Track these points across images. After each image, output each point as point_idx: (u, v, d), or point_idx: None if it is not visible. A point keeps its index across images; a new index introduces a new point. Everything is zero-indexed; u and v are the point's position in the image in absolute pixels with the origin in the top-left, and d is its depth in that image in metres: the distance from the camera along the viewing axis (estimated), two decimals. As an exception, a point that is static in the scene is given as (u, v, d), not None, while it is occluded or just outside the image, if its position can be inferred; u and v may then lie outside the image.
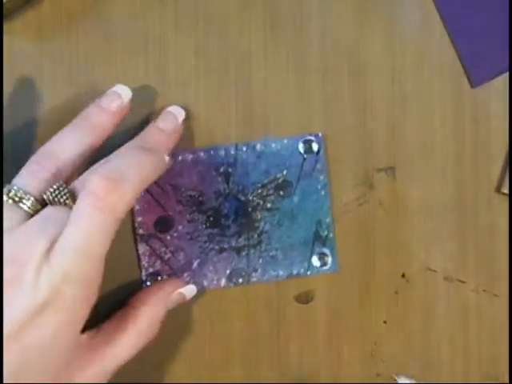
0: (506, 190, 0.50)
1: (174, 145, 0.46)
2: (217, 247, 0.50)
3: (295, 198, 0.50)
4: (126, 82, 0.49)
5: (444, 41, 0.51)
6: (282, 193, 0.50)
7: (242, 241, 0.50)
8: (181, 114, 0.47)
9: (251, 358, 0.51)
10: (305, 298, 0.51)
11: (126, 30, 0.50)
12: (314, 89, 0.50)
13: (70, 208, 0.39)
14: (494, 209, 0.51)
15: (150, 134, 0.45)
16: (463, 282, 0.51)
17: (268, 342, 0.51)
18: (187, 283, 0.49)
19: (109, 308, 0.49)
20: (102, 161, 0.41)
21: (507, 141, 0.51)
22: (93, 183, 0.37)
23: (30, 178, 0.41)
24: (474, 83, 0.51)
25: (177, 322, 0.50)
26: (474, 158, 0.51)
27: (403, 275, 0.51)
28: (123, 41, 0.50)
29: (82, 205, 0.37)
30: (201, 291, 0.50)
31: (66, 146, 0.42)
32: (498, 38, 0.50)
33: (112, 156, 0.41)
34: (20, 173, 0.42)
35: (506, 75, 0.51)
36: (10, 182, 0.42)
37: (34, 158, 0.42)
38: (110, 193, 0.37)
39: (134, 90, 0.49)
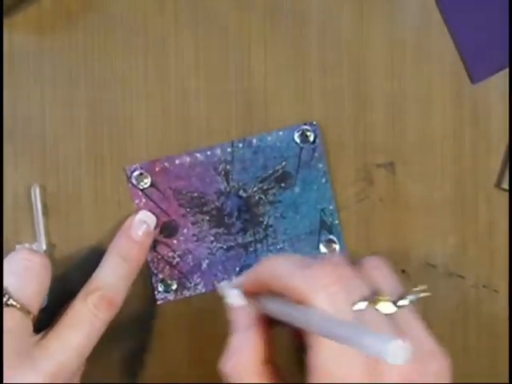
0: (505, 186, 0.51)
1: (147, 251, 0.50)
2: (224, 246, 0.51)
3: (296, 189, 0.51)
4: (126, 78, 0.50)
5: (444, 37, 0.51)
6: (282, 185, 0.51)
7: (248, 237, 0.51)
8: (153, 222, 0.50)
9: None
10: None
11: (126, 25, 0.50)
12: (314, 84, 0.51)
13: None
14: (493, 204, 0.52)
15: (125, 246, 0.49)
16: (463, 278, 0.52)
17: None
18: (197, 285, 0.51)
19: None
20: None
21: (507, 136, 0.52)
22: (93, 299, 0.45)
23: None
24: (473, 79, 0.52)
25: (177, 318, 0.51)
26: (473, 153, 0.52)
27: (403, 271, 0.52)
28: (123, 36, 0.50)
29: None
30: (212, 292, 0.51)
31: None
32: (497, 35, 0.51)
33: (99, 269, 0.47)
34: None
35: (506, 71, 0.52)
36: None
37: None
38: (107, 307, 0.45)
39: (134, 86, 0.50)
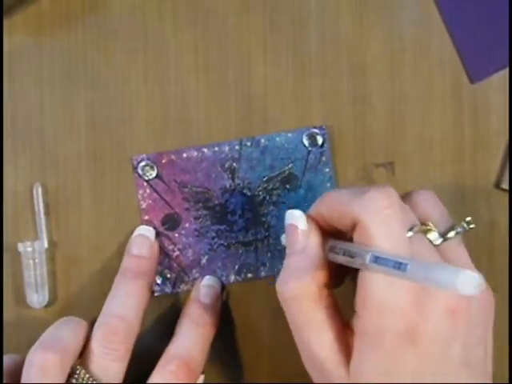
0: (505, 186, 0.52)
1: (219, 313, 0.51)
2: (225, 243, 0.52)
3: (301, 191, 0.52)
4: (125, 79, 0.51)
5: (443, 36, 0.52)
6: (287, 186, 0.52)
7: (249, 236, 0.52)
8: (219, 284, 0.52)
9: (250, 353, 0.53)
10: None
11: (125, 26, 0.52)
12: (313, 85, 0.52)
13: None
14: (493, 204, 0.52)
15: (197, 311, 0.50)
16: (463, 278, 0.52)
17: (267, 337, 0.53)
18: (195, 280, 0.52)
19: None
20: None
21: (506, 136, 0.52)
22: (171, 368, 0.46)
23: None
24: (473, 79, 0.52)
25: (176, 315, 0.51)
26: (473, 153, 0.53)
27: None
28: (122, 38, 0.52)
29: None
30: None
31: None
32: (497, 34, 0.52)
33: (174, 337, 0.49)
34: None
35: (506, 71, 0.52)
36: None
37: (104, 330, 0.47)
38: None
39: (133, 87, 0.51)
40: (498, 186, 0.52)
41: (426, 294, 0.39)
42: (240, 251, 0.52)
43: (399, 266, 0.36)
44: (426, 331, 0.39)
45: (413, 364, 0.39)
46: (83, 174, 0.51)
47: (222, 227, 0.52)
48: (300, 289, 0.41)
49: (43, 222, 0.51)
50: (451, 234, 0.44)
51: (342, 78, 0.52)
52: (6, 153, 0.51)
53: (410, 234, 0.41)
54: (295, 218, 0.44)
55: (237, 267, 0.52)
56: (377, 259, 0.37)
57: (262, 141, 0.52)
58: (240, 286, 0.52)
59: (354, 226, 0.40)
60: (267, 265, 0.52)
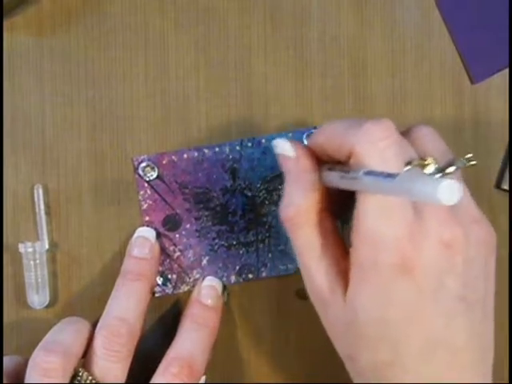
0: (505, 186, 0.52)
1: (220, 314, 0.51)
2: (226, 243, 0.52)
3: None
4: (126, 78, 0.51)
5: (444, 37, 0.53)
6: None
7: (250, 236, 0.52)
8: (220, 284, 0.52)
9: (251, 353, 0.53)
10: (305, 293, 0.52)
11: (126, 25, 0.52)
12: (314, 84, 0.53)
13: None
14: (493, 205, 0.53)
15: (199, 313, 0.50)
16: (463, 278, 0.52)
17: (268, 337, 0.53)
18: (196, 281, 0.52)
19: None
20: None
21: (507, 137, 0.53)
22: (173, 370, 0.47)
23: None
24: (473, 79, 0.53)
25: (177, 316, 0.52)
26: (473, 153, 0.52)
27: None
28: (123, 36, 0.52)
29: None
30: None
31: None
32: (497, 35, 0.53)
33: (175, 339, 0.49)
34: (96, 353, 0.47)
35: (506, 71, 0.53)
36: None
37: (105, 333, 0.47)
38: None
39: (134, 85, 0.51)
40: (498, 186, 0.53)
41: (419, 226, 0.39)
42: (241, 252, 0.52)
43: (389, 175, 0.35)
44: (421, 263, 0.38)
45: (408, 296, 0.39)
46: (84, 175, 0.52)
47: (223, 228, 0.52)
48: (298, 212, 0.42)
49: (44, 222, 0.51)
50: (450, 169, 0.42)
51: (342, 77, 0.53)
52: (6, 153, 0.51)
53: (407, 167, 0.40)
54: (282, 148, 0.44)
55: (238, 268, 0.52)
56: (370, 172, 0.37)
57: (263, 141, 0.52)
58: (241, 286, 0.52)
59: (350, 157, 0.40)
60: (268, 265, 0.52)
